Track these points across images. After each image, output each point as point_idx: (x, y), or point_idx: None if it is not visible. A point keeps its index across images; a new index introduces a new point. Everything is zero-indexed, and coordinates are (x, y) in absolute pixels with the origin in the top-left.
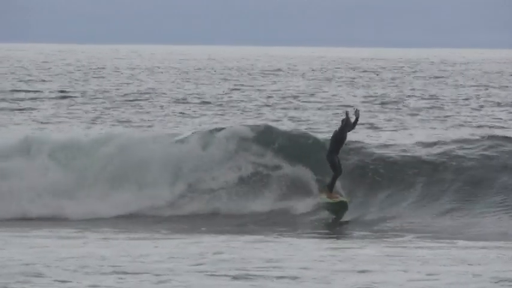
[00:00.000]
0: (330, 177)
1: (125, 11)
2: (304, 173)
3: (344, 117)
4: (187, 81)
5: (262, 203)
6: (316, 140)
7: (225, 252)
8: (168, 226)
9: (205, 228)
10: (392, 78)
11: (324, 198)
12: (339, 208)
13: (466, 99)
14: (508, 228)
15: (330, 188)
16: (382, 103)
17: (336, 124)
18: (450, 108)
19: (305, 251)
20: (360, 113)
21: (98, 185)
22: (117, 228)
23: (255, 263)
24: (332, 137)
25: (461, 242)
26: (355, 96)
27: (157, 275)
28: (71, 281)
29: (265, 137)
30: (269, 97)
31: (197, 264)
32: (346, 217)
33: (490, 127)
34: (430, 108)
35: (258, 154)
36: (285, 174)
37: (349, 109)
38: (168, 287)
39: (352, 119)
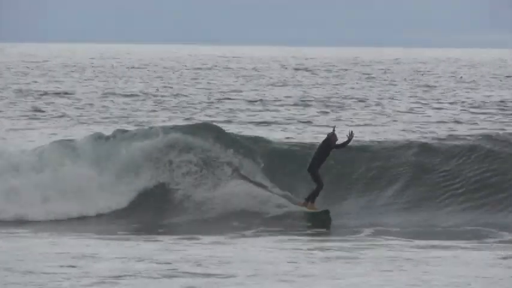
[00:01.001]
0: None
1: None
2: (252, 169)
3: (331, 132)
4: (120, 78)
5: (210, 204)
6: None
7: (178, 253)
8: (124, 228)
9: (162, 230)
10: (327, 77)
11: (305, 208)
12: (322, 217)
13: (392, 98)
14: (461, 225)
15: (312, 200)
16: (309, 101)
17: (261, 121)
18: (381, 105)
19: (255, 253)
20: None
21: None
22: (70, 229)
23: (207, 263)
24: (316, 151)
25: (416, 242)
26: (288, 96)
27: (104, 276)
28: (14, 283)
29: (200, 133)
30: (199, 94)
31: (150, 263)
32: (299, 215)
33: (421, 123)
34: (358, 104)
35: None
36: (228, 171)
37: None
38: None
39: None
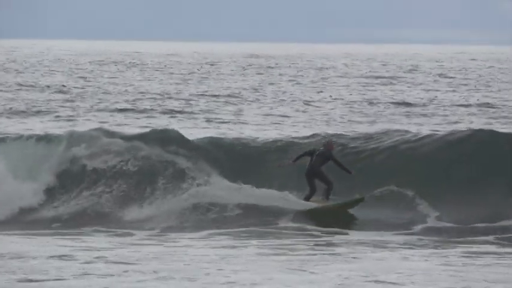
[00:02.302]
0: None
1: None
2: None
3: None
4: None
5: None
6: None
7: (102, 251)
8: (54, 225)
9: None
10: (230, 74)
11: (327, 205)
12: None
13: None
14: (382, 212)
15: (326, 197)
16: (211, 94)
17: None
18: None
19: (184, 250)
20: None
21: None
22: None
23: (131, 261)
24: (315, 158)
25: (341, 236)
26: (184, 92)
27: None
28: None
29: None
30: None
31: (68, 260)
32: (234, 209)
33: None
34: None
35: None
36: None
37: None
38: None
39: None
